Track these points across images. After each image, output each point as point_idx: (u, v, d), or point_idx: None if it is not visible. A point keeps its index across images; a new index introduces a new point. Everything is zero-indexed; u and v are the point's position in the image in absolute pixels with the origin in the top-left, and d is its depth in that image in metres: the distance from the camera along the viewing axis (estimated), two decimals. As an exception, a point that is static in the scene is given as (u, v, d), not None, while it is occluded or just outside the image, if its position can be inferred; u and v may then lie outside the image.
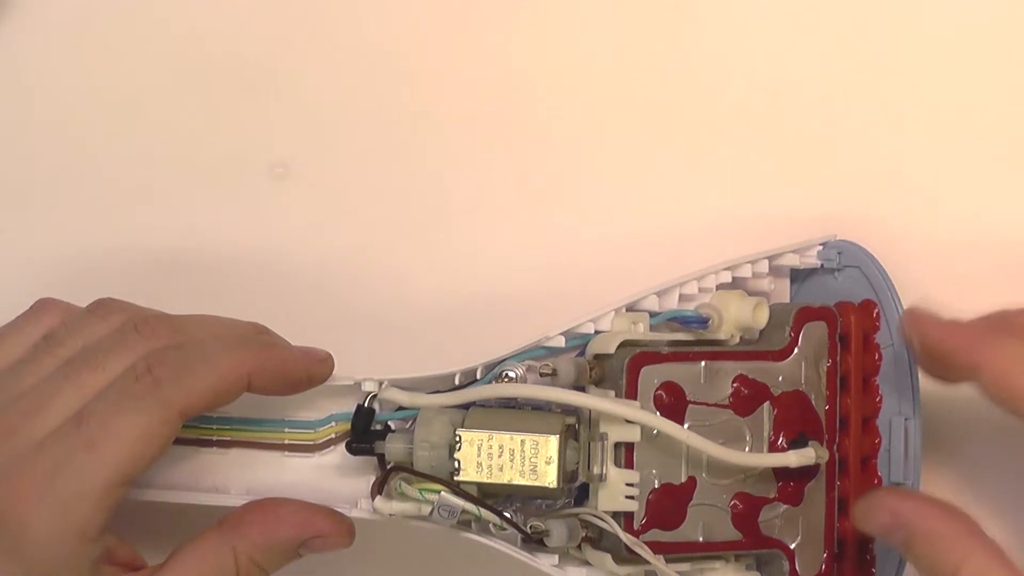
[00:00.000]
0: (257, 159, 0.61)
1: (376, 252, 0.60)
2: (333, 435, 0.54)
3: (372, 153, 0.61)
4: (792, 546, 0.54)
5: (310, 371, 0.51)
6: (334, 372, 0.52)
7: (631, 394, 0.52)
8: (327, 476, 0.54)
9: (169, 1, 0.62)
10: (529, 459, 0.50)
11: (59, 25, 0.62)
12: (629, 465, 0.51)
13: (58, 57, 0.62)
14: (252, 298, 0.60)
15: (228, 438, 0.54)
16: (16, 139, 0.61)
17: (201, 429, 0.54)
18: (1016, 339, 0.49)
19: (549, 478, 0.50)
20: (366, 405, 0.53)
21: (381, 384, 0.53)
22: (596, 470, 0.51)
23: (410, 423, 0.53)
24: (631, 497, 0.51)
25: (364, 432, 0.53)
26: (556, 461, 0.50)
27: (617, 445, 0.51)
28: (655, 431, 0.52)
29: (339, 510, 0.51)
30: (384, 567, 0.60)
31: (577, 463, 0.51)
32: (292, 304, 0.60)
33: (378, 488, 0.51)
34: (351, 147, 0.61)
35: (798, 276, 0.58)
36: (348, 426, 0.53)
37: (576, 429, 0.52)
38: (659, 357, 0.52)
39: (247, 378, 0.49)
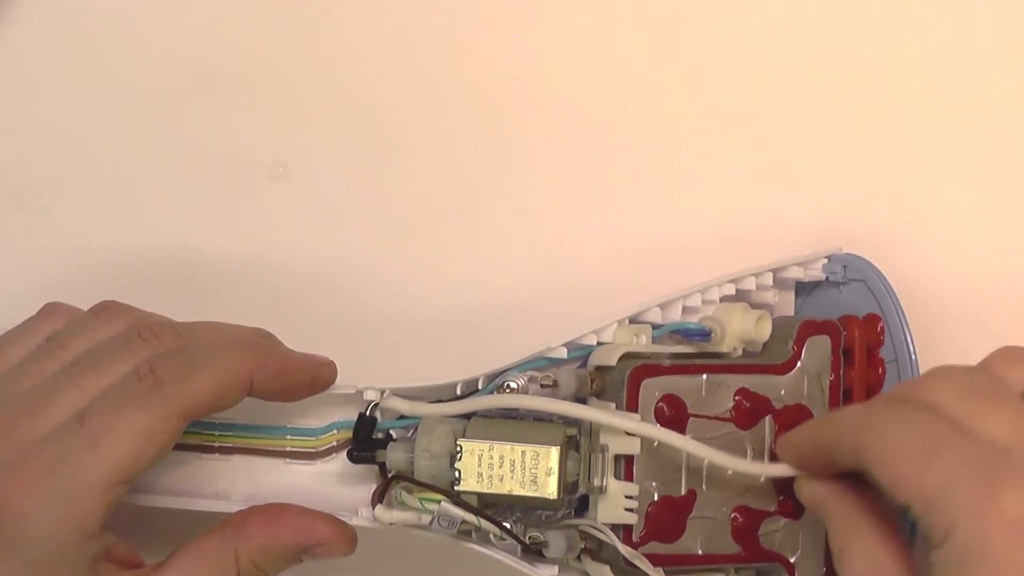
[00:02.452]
0: (257, 159, 0.64)
1: (377, 258, 0.63)
2: (335, 443, 0.57)
3: (373, 155, 0.64)
4: (792, 560, 0.57)
5: (313, 374, 0.54)
6: (336, 380, 0.55)
7: (632, 406, 0.54)
8: (328, 483, 0.57)
9: (169, 1, 0.64)
10: (530, 470, 0.53)
11: (59, 25, 0.64)
12: (629, 477, 0.54)
13: (58, 57, 0.64)
14: (252, 300, 0.63)
15: (230, 444, 0.57)
16: (16, 139, 0.64)
17: (203, 435, 0.57)
18: (900, 419, 0.48)
19: (549, 489, 0.53)
20: (368, 414, 0.56)
21: (383, 393, 0.55)
22: (596, 482, 0.53)
23: (411, 432, 0.55)
24: (630, 510, 0.54)
25: (366, 440, 0.55)
26: (557, 472, 0.53)
27: (617, 457, 0.54)
28: (655, 443, 0.55)
29: (340, 518, 0.54)
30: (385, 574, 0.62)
31: (578, 474, 0.54)
32: (292, 308, 0.63)
33: (379, 497, 0.54)
34: (351, 148, 0.64)
35: (803, 289, 0.61)
36: (350, 434, 0.56)
37: (577, 440, 0.55)
38: (660, 369, 0.55)
39: (249, 378, 0.51)
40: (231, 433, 0.57)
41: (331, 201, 0.63)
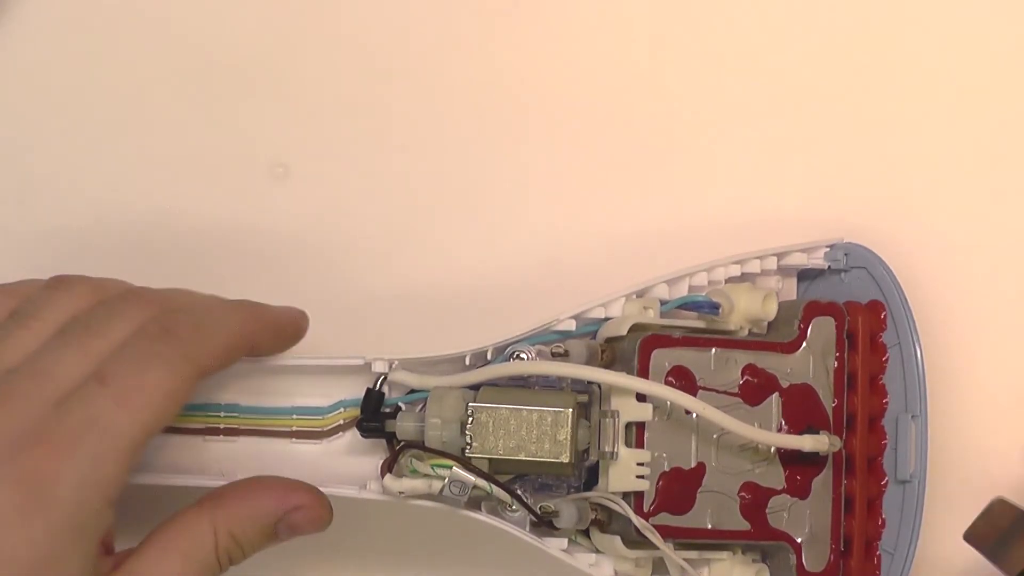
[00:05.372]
0: (257, 159, 0.66)
1: (381, 246, 0.65)
2: (341, 421, 0.59)
3: (374, 150, 0.66)
4: (799, 540, 0.59)
5: (297, 325, 0.57)
6: (343, 352, 0.58)
7: (642, 376, 0.57)
8: (335, 462, 0.59)
9: (169, 1, 0.67)
10: (542, 434, 0.55)
11: (59, 25, 0.67)
12: (640, 445, 0.57)
13: (58, 57, 0.66)
14: (252, 296, 0.65)
15: (236, 426, 0.59)
16: (15, 139, 0.66)
17: (209, 417, 0.58)
18: None
19: (562, 454, 0.55)
20: (376, 388, 0.58)
21: (391, 364, 0.57)
22: (607, 448, 0.56)
23: (420, 407, 0.57)
24: (642, 477, 0.56)
25: (374, 414, 0.57)
26: (569, 436, 0.55)
27: (628, 425, 0.56)
28: (667, 414, 0.57)
29: (347, 490, 0.56)
30: (391, 565, 0.65)
31: (588, 443, 0.56)
32: (295, 302, 0.65)
33: (388, 466, 0.56)
34: (352, 145, 0.66)
35: (806, 277, 0.64)
36: (357, 412, 0.58)
37: (588, 408, 0.57)
38: (670, 341, 0.58)
39: (253, 336, 0.54)
40: (236, 415, 0.59)
41: (331, 194, 0.66)
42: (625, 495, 0.56)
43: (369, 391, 0.58)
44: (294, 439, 0.59)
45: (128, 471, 0.50)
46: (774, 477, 0.59)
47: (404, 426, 0.56)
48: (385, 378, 0.58)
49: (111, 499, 0.50)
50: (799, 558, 0.59)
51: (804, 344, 0.59)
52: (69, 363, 0.51)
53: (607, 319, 0.59)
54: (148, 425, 0.50)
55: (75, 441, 0.49)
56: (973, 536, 0.57)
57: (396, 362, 0.57)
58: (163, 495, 0.57)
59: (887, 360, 0.62)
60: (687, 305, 0.59)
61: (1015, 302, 0.65)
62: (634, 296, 0.59)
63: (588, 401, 0.57)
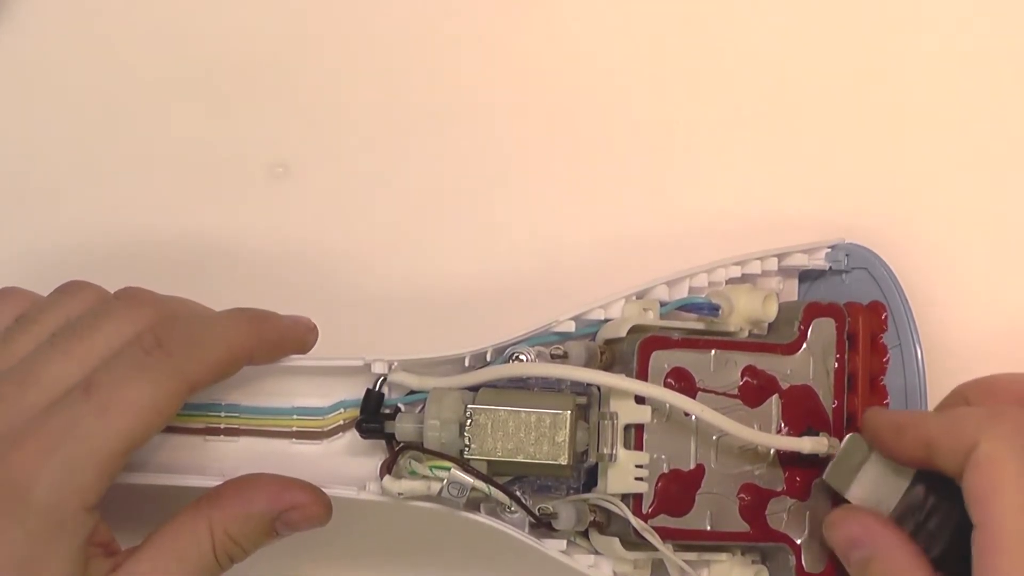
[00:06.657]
0: (257, 159, 0.67)
1: (381, 246, 0.66)
2: (341, 421, 0.59)
3: (374, 150, 0.67)
4: (798, 541, 0.59)
5: (302, 340, 0.57)
6: (343, 353, 0.58)
7: (642, 378, 0.57)
8: (335, 463, 0.59)
9: (169, 1, 0.68)
10: (540, 436, 0.56)
11: (59, 25, 0.67)
12: (639, 447, 0.57)
13: (58, 57, 0.67)
14: (253, 297, 0.65)
15: (236, 426, 0.59)
16: (16, 139, 0.67)
17: (209, 417, 0.59)
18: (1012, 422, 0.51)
19: (561, 456, 0.56)
20: (376, 389, 0.58)
21: (391, 365, 0.58)
22: (606, 450, 0.56)
23: (420, 408, 0.58)
24: (640, 479, 0.57)
25: (374, 414, 0.58)
26: (568, 438, 0.56)
27: (627, 427, 0.57)
28: (666, 416, 0.58)
29: (346, 491, 0.57)
30: (389, 566, 0.65)
31: (587, 445, 0.57)
32: (294, 303, 0.66)
33: (387, 467, 0.56)
34: (352, 146, 0.67)
35: (807, 277, 0.65)
36: (357, 413, 0.58)
37: (587, 410, 0.57)
38: (670, 342, 0.58)
39: (251, 352, 0.54)
40: (237, 415, 0.59)
41: (331, 194, 0.67)
42: (624, 497, 0.57)
43: (369, 392, 0.58)
44: (294, 439, 0.60)
45: (108, 478, 0.51)
46: (774, 478, 0.59)
47: (403, 427, 0.57)
48: (385, 379, 0.58)
49: (89, 504, 0.51)
50: (799, 559, 0.59)
51: (804, 345, 0.60)
52: (55, 368, 0.52)
53: (606, 321, 0.59)
54: (128, 437, 0.51)
55: (53, 447, 0.50)
56: (831, 475, 0.57)
57: (396, 363, 0.58)
58: (164, 495, 0.57)
59: (888, 361, 0.62)
60: (687, 306, 0.59)
61: (1015, 302, 0.66)
62: (634, 297, 0.59)
63: (587, 403, 0.57)
